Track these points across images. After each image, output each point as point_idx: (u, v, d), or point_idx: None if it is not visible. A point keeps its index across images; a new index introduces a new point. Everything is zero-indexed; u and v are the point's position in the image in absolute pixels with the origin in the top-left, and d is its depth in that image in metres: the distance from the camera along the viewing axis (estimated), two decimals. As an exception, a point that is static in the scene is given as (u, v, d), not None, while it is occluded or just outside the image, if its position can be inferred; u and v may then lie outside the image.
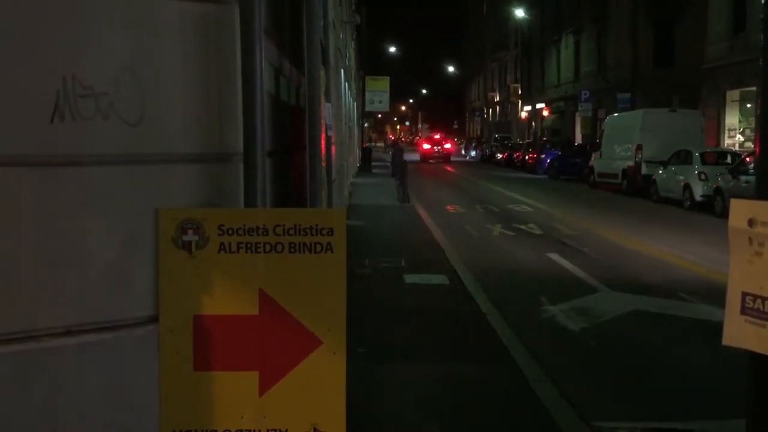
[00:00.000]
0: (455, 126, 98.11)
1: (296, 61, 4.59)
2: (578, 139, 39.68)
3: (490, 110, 72.71)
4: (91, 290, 2.18)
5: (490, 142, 53.26)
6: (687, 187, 18.22)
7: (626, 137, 22.98)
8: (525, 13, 51.04)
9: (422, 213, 16.63)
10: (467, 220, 15.99)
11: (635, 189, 21.74)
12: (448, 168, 41.52)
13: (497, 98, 68.62)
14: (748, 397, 2.39)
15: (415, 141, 76.98)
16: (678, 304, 8.20)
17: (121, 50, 2.19)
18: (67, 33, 2.09)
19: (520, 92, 57.29)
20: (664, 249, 11.98)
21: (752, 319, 2.10)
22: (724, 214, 14.76)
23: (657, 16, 33.68)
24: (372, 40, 47.25)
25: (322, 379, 2.38)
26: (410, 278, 9.15)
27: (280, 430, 2.38)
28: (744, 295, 2.10)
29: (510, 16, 55.51)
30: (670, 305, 8.15)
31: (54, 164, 2.09)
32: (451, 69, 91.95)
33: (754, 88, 24.01)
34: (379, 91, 33.92)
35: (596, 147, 26.23)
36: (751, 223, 2.08)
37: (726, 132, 26.73)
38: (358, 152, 34.17)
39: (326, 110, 6.43)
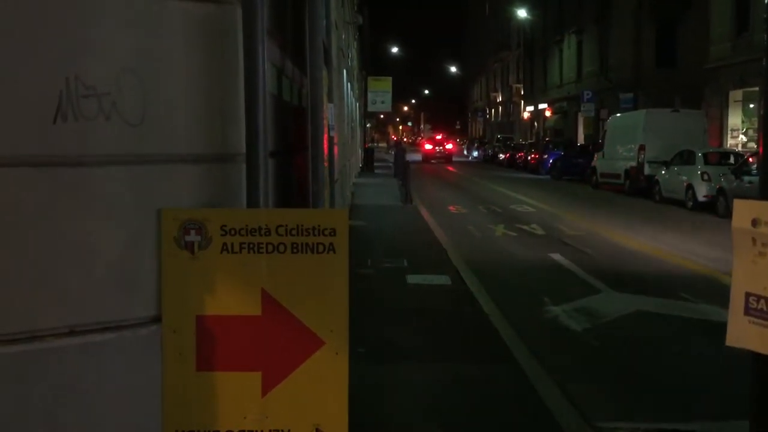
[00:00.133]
0: (458, 126, 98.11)
1: (299, 62, 4.59)
2: (581, 139, 39.68)
3: (493, 110, 72.70)
4: (94, 290, 2.18)
5: (493, 142, 53.27)
6: (690, 187, 18.19)
7: (629, 137, 22.96)
8: (527, 14, 51.01)
9: (424, 213, 16.63)
10: (470, 220, 15.98)
11: (638, 189, 21.72)
12: (450, 168, 41.52)
13: (500, 98, 68.60)
14: (750, 397, 2.39)
15: (418, 141, 76.97)
16: (680, 305, 8.19)
17: (123, 51, 2.19)
18: (69, 33, 2.10)
19: (522, 92, 57.27)
20: (667, 249, 11.96)
21: (755, 320, 2.10)
22: (727, 214, 14.83)
23: (659, 15, 33.63)
24: (374, 41, 47.25)
25: (324, 380, 2.37)
26: (412, 278, 9.15)
27: (282, 430, 2.37)
28: (747, 295, 2.10)
29: (512, 17, 55.48)
30: (673, 305, 8.15)
31: (57, 165, 2.09)
32: (453, 69, 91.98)
33: (757, 89, 23.97)
34: (382, 91, 33.96)
35: (599, 147, 26.20)
36: (754, 223, 2.07)
37: (729, 132, 26.68)
38: (360, 153, 34.16)
39: (329, 111, 6.43)
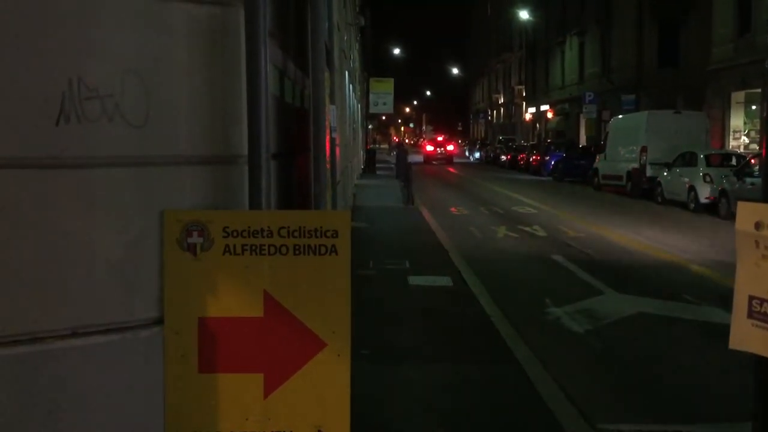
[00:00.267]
0: (459, 128, 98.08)
1: (301, 63, 4.59)
2: (582, 140, 39.66)
3: (495, 112, 72.68)
4: (96, 292, 2.18)
5: (495, 143, 53.27)
6: (692, 189, 18.17)
7: (631, 139, 22.94)
8: (529, 15, 51.00)
9: (426, 215, 16.62)
10: (471, 221, 15.97)
11: (640, 191, 21.70)
12: (451, 169, 41.54)
13: (501, 100, 68.58)
14: (753, 400, 2.38)
15: (419, 143, 77.05)
16: (683, 307, 8.18)
17: (126, 52, 2.20)
18: (72, 35, 2.10)
19: (524, 94, 57.25)
20: (669, 251, 11.95)
21: (759, 323, 2.09)
22: (729, 216, 14.81)
23: (661, 17, 33.63)
24: (376, 42, 47.32)
25: (326, 381, 2.37)
26: (414, 280, 9.14)
27: (284, 432, 2.37)
28: (751, 298, 2.09)
29: (514, 18, 55.48)
30: (675, 307, 8.13)
31: (59, 166, 2.10)
32: (455, 71, 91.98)
33: (759, 90, 23.98)
34: (384, 92, 33.95)
35: (601, 149, 26.18)
36: (757, 226, 2.07)
37: (731, 134, 26.66)
38: (362, 154, 34.16)
39: (331, 112, 6.43)
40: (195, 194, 2.38)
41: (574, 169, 29.51)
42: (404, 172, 21.39)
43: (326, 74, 4.40)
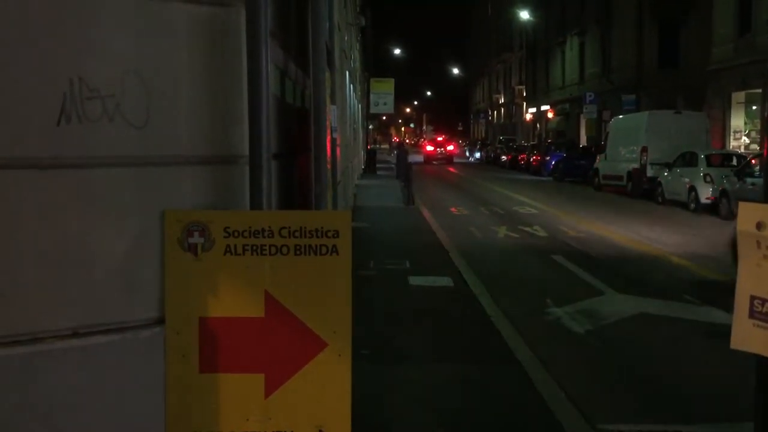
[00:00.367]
0: (460, 128, 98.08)
1: (302, 63, 4.59)
2: (583, 141, 39.66)
3: (495, 112, 72.68)
4: (96, 292, 2.18)
5: (495, 144, 53.31)
6: (692, 189, 18.17)
7: (631, 139, 22.94)
8: (529, 15, 51.01)
9: (427, 215, 16.62)
10: (472, 222, 15.97)
11: (640, 191, 21.70)
12: (451, 169, 41.57)
13: (502, 100, 68.58)
14: (755, 400, 2.38)
15: (420, 143, 77.23)
16: (684, 307, 8.17)
17: (127, 52, 2.20)
18: (73, 35, 2.10)
19: (524, 94, 57.26)
20: (670, 251, 11.95)
21: (760, 323, 2.09)
22: (730, 216, 14.79)
23: (662, 17, 33.63)
24: (377, 42, 47.31)
25: (327, 381, 2.37)
26: (415, 280, 9.14)
27: (285, 432, 2.37)
28: (752, 298, 2.09)
29: (514, 18, 55.49)
30: (676, 308, 8.13)
31: (60, 166, 2.10)
32: (455, 71, 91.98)
33: (759, 90, 23.99)
34: (384, 93, 33.95)
35: (601, 149, 26.18)
36: (759, 226, 2.06)
37: (731, 134, 26.66)
38: (362, 154, 34.16)
39: (331, 112, 6.43)
40: (196, 194, 2.38)
41: (574, 169, 29.51)
42: (404, 172, 21.40)
43: (327, 74, 4.40)
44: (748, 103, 26.06)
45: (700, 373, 6.04)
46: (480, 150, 56.24)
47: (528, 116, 56.44)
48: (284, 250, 2.33)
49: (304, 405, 2.37)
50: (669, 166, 19.96)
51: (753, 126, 26.11)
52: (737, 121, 26.73)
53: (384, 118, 77.43)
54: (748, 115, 26.39)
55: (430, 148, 51.22)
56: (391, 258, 10.56)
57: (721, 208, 16.46)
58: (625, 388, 5.74)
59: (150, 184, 2.27)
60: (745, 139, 26.30)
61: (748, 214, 2.10)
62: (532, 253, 11.85)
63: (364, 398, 3.73)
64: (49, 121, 2.06)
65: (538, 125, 53.62)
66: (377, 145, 71.79)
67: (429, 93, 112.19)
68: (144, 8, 2.24)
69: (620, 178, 23.39)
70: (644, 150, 21.97)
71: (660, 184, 20.31)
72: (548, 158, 33.46)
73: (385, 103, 34.15)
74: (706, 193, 17.56)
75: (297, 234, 2.33)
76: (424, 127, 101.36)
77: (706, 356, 6.46)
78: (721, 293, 8.09)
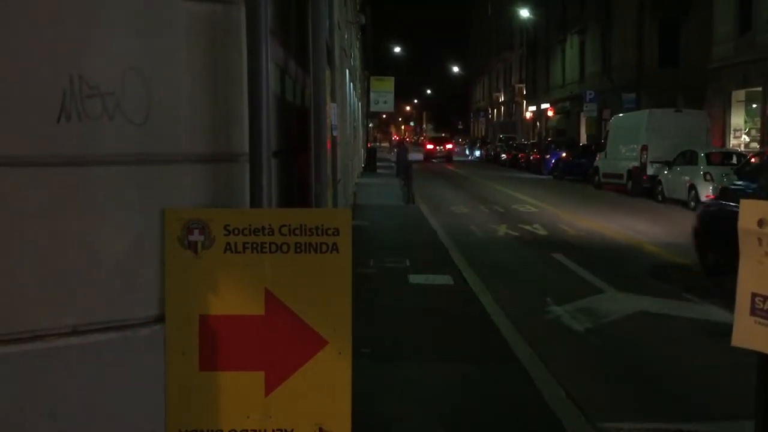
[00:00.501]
0: (460, 126, 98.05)
1: (302, 61, 4.58)
2: (583, 139, 39.64)
3: (495, 110, 72.65)
4: (97, 290, 2.18)
5: (495, 142, 53.36)
6: (692, 187, 18.17)
7: (631, 137, 22.93)
8: (530, 13, 50.99)
9: (427, 213, 16.62)
10: (472, 220, 15.97)
11: (640, 189, 21.70)
12: (451, 167, 41.60)
13: (502, 98, 68.55)
14: (756, 397, 2.38)
15: (420, 141, 77.52)
16: (683, 305, 8.18)
17: (127, 50, 2.19)
18: (73, 33, 2.09)
19: (524, 92, 57.24)
20: (670, 250, 11.94)
21: (762, 320, 2.09)
22: (730, 214, 14.78)
23: (662, 15, 33.60)
24: (377, 41, 47.31)
25: (327, 380, 2.37)
26: (414, 278, 9.14)
27: (285, 430, 2.37)
28: (754, 296, 2.09)
29: (515, 16, 55.46)
30: (676, 306, 8.13)
31: (60, 164, 2.09)
32: (455, 69, 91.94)
33: (760, 89, 23.98)
34: (384, 91, 33.94)
35: (601, 147, 26.18)
36: (761, 223, 2.06)
37: (731, 132, 26.66)
38: (362, 152, 34.16)
39: (332, 111, 6.43)
40: (196, 192, 2.37)
41: (574, 167, 29.50)
42: (405, 170, 21.39)
43: (327, 73, 4.39)
44: (749, 101, 26.05)
45: (700, 371, 6.04)
46: (480, 148, 56.31)
47: (528, 114, 56.42)
48: (284, 248, 2.33)
49: (305, 403, 2.37)
50: (669, 164, 19.96)
51: (753, 124, 26.10)
52: (737, 119, 26.72)
53: (384, 116, 77.43)
54: (749, 113, 26.38)
55: (430, 146, 52.24)
56: (391, 256, 10.57)
57: (722, 207, 16.44)
58: (625, 386, 5.74)
59: (150, 182, 2.27)
60: (745, 138, 26.30)
61: (749, 211, 2.09)
62: (532, 252, 11.85)
63: (364, 396, 3.73)
64: (49, 119, 2.06)
65: (538, 123, 53.60)
66: (377, 144, 71.77)
67: (429, 91, 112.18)
68: (144, 6, 2.24)
69: (620, 176, 23.38)
70: (644, 148, 21.97)
71: (660, 182, 20.32)
72: (548, 157, 33.45)
73: (385, 102, 34.13)
74: (706, 192, 17.55)
75: (297, 232, 2.33)
76: (424, 126, 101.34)
77: (706, 354, 6.46)
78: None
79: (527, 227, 14.66)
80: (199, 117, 2.37)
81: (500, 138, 53.75)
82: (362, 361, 5.10)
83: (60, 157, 2.09)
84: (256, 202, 2.43)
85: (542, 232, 14.08)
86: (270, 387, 2.36)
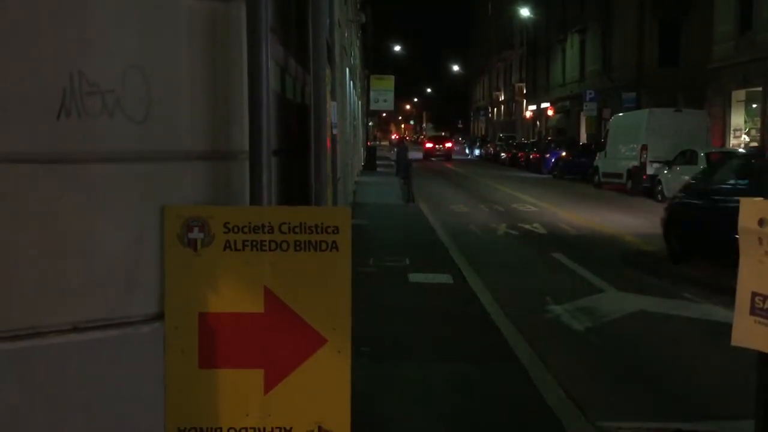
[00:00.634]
0: (460, 125, 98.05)
1: (302, 59, 4.57)
2: (583, 138, 39.65)
3: (495, 109, 72.64)
4: (96, 287, 2.17)
5: (495, 141, 53.41)
6: (692, 187, 18.17)
7: (631, 137, 22.93)
8: (530, 13, 50.98)
9: (426, 212, 16.62)
10: (472, 219, 15.97)
11: (640, 189, 21.70)
12: (450, 165, 41.62)
13: (502, 97, 68.54)
14: (756, 397, 2.37)
15: (420, 140, 77.72)
16: (684, 304, 8.18)
17: (127, 47, 2.19)
18: (74, 30, 2.09)
19: (525, 91, 57.23)
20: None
21: (762, 320, 2.08)
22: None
23: (662, 15, 33.60)
24: (377, 40, 47.33)
25: (326, 378, 2.37)
26: (414, 277, 9.14)
27: (284, 428, 2.37)
28: (754, 295, 2.08)
29: (515, 16, 55.45)
30: (676, 305, 8.13)
31: (60, 161, 2.09)
32: (455, 68, 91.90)
33: (760, 89, 23.97)
34: (384, 90, 33.93)
35: (601, 147, 26.18)
36: (761, 223, 2.05)
37: (731, 132, 26.66)
38: (362, 151, 34.15)
39: (332, 109, 6.42)
40: (196, 190, 2.37)
41: (574, 166, 29.51)
42: (404, 169, 21.38)
43: (327, 71, 4.39)
44: (749, 101, 26.05)
45: (700, 371, 6.04)
46: (480, 147, 56.38)
47: (528, 114, 56.41)
48: (284, 246, 2.32)
49: (304, 401, 2.37)
50: (669, 164, 19.96)
51: (753, 124, 26.09)
52: (737, 119, 26.72)
53: (384, 115, 77.41)
54: (749, 113, 26.38)
55: (429, 145, 52.71)
56: (390, 255, 10.56)
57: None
58: (624, 385, 5.74)
59: (150, 179, 2.27)
60: (745, 138, 26.29)
61: (749, 210, 2.08)
62: (532, 251, 11.85)
63: (363, 395, 3.73)
64: (49, 116, 2.05)
65: (538, 123, 53.60)
66: (377, 142, 71.77)
67: (429, 90, 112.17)
68: (145, 3, 2.23)
69: (620, 175, 23.39)
70: (644, 148, 21.97)
71: (660, 182, 20.31)
72: (548, 156, 33.44)
73: (385, 100, 34.13)
74: (705, 191, 17.55)
75: (297, 230, 2.33)
76: (424, 125, 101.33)
77: (706, 353, 6.46)
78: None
79: (527, 226, 14.66)
80: (199, 115, 2.37)
81: (500, 137, 53.78)
82: (361, 360, 5.11)
83: (60, 153, 2.09)
84: (256, 200, 2.43)
85: (542, 231, 14.08)
86: (269, 385, 2.36)
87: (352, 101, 20.21)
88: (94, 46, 2.13)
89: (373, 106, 35.47)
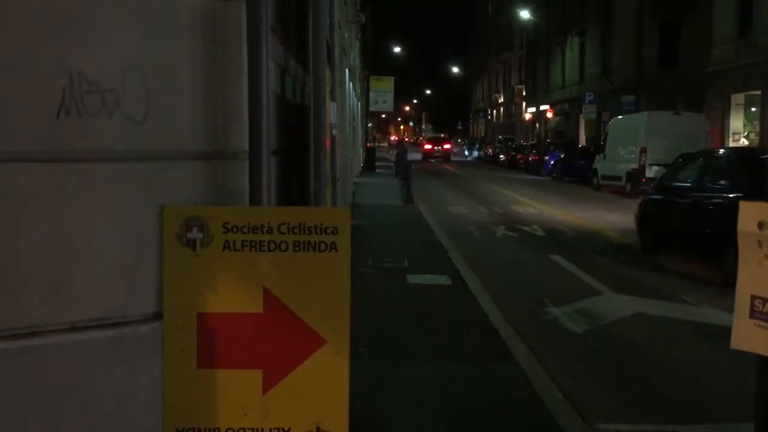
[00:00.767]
0: (459, 127, 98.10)
1: (302, 60, 4.57)
2: (582, 141, 39.67)
3: (494, 111, 72.68)
4: (95, 287, 2.17)
5: (494, 143, 53.46)
6: (691, 189, 18.18)
7: (630, 140, 22.95)
8: (530, 15, 51.01)
9: (425, 213, 16.62)
10: (470, 220, 15.97)
11: (639, 191, 21.68)
12: (449, 167, 41.63)
13: (501, 99, 68.59)
14: (756, 399, 2.37)
15: (419, 141, 77.85)
16: (682, 307, 8.18)
17: (127, 47, 2.19)
18: (74, 29, 2.09)
19: (524, 94, 57.26)
20: (669, 252, 11.94)
21: (761, 323, 2.08)
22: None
23: (662, 17, 33.63)
24: (377, 41, 47.34)
25: (325, 378, 2.37)
26: (413, 278, 9.14)
27: (283, 428, 2.37)
28: (753, 298, 2.08)
29: (515, 17, 55.49)
30: (674, 308, 8.14)
31: (59, 160, 2.09)
32: (455, 70, 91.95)
33: (759, 92, 23.99)
34: (384, 91, 33.96)
35: (600, 149, 26.20)
36: (760, 226, 2.05)
37: (730, 135, 26.67)
38: (362, 152, 34.15)
39: (331, 109, 6.42)
40: (195, 189, 2.37)
41: (573, 169, 29.53)
42: (404, 170, 21.38)
43: (327, 71, 4.39)
44: (748, 104, 26.07)
45: (698, 373, 6.04)
46: (479, 149, 56.45)
47: (527, 116, 56.45)
48: (283, 246, 2.32)
49: (302, 401, 2.37)
50: (668, 167, 19.95)
51: (752, 128, 26.12)
52: (736, 122, 26.74)
53: (383, 116, 77.44)
54: (748, 116, 26.41)
55: (428, 146, 53.04)
56: (389, 256, 10.56)
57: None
58: (622, 388, 5.74)
59: (149, 178, 2.26)
60: (744, 141, 26.31)
61: (749, 213, 2.08)
62: (530, 252, 11.85)
63: (361, 396, 3.73)
64: (49, 115, 2.05)
65: (537, 125, 53.62)
66: (376, 143, 71.80)
67: (428, 91, 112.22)
68: (145, 2, 2.23)
69: (619, 178, 23.40)
70: (643, 151, 21.99)
71: (659, 184, 20.33)
72: (547, 158, 33.46)
73: (384, 102, 34.15)
74: (704, 194, 17.56)
75: (296, 230, 2.32)
76: (423, 126, 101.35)
77: (703, 356, 6.47)
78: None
79: (525, 228, 14.66)
80: (198, 115, 2.36)
81: (499, 139, 53.81)
82: (360, 360, 5.10)
83: (59, 152, 2.08)
84: (255, 200, 2.42)
85: (540, 233, 14.08)
86: (268, 385, 2.36)
87: (351, 102, 20.21)
88: (94, 46, 2.12)
89: (372, 107, 35.49)
